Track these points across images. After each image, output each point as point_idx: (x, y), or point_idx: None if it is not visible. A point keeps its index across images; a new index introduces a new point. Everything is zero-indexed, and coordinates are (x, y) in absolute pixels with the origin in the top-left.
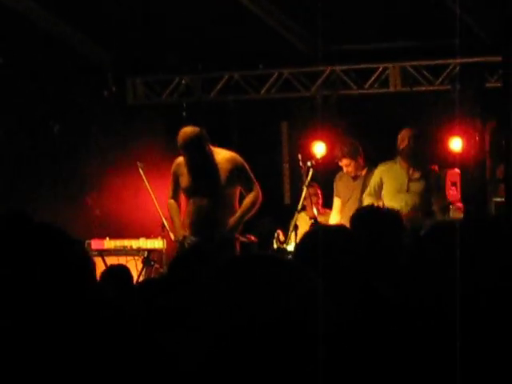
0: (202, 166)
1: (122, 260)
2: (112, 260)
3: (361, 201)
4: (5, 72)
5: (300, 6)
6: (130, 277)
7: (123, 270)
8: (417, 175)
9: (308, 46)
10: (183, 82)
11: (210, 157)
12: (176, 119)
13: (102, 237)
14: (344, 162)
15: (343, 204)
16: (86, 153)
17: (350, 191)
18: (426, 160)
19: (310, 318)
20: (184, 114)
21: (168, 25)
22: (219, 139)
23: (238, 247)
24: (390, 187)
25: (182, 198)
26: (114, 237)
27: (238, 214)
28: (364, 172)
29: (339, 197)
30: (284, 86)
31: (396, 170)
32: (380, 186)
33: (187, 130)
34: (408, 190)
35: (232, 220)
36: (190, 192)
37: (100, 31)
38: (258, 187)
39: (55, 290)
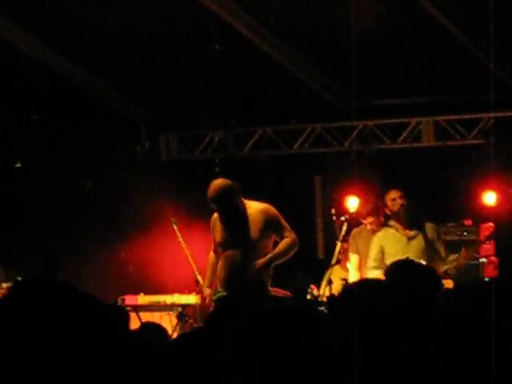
0: (233, 218)
1: (156, 315)
2: (146, 316)
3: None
4: (39, 129)
5: (333, 61)
6: (165, 332)
7: (157, 327)
8: (413, 233)
9: (341, 101)
10: (216, 137)
11: (241, 209)
12: (209, 175)
13: (136, 293)
14: (369, 220)
15: (364, 260)
16: (121, 208)
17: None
18: (418, 215)
19: (338, 372)
20: (217, 169)
21: (201, 80)
22: (253, 194)
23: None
24: (393, 250)
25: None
26: (148, 292)
27: (269, 255)
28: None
29: (357, 253)
30: (317, 141)
31: (393, 234)
32: (382, 253)
33: (218, 182)
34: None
35: (262, 260)
36: (223, 245)
37: (134, 87)
38: (294, 234)
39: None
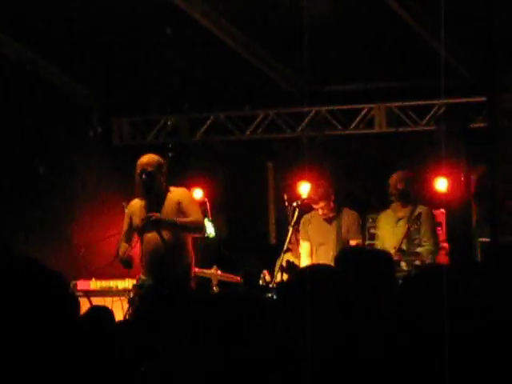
0: (156, 195)
1: (107, 301)
2: (98, 301)
3: (339, 243)
4: None
5: (286, 47)
6: (112, 317)
7: (106, 311)
8: (403, 214)
9: (294, 87)
10: (169, 122)
11: (164, 188)
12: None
13: (88, 278)
14: (321, 205)
15: (315, 248)
16: (72, 193)
17: (325, 234)
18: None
19: (287, 360)
20: (170, 154)
21: (154, 65)
22: (205, 179)
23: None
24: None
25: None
26: (99, 277)
27: (172, 218)
28: (334, 214)
29: (308, 240)
30: (270, 127)
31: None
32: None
33: (152, 154)
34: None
35: (159, 216)
36: (143, 228)
37: (86, 72)
38: (203, 220)
39: (38, 323)
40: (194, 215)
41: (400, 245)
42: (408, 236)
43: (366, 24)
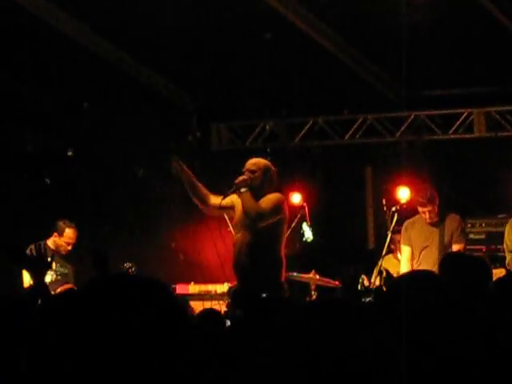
0: (254, 196)
1: (206, 304)
2: (197, 305)
3: (442, 247)
4: (91, 117)
5: (384, 51)
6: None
7: (216, 313)
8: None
9: (392, 92)
10: (267, 127)
11: (265, 192)
12: None
13: (187, 281)
14: (428, 208)
15: (417, 252)
16: (170, 198)
17: (428, 238)
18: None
19: (379, 369)
20: (268, 159)
21: (253, 70)
22: (303, 184)
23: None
24: None
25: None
26: (198, 281)
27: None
28: (438, 220)
29: (409, 245)
30: (368, 132)
31: None
32: None
33: (262, 159)
34: None
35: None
36: (237, 226)
37: (186, 76)
38: (263, 211)
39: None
40: (261, 203)
41: None
42: None
43: (465, 28)
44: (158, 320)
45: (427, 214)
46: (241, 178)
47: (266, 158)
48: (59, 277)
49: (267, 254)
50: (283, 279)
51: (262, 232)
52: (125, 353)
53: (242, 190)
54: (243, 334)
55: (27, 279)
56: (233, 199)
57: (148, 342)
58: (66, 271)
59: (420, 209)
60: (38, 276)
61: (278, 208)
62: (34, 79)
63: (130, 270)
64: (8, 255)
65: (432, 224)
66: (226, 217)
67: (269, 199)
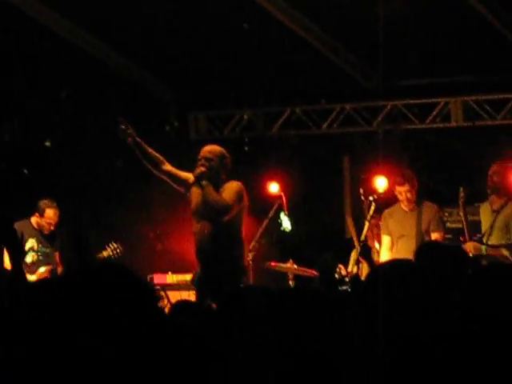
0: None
1: (184, 294)
2: (174, 295)
3: (420, 235)
4: (68, 106)
5: (362, 41)
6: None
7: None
8: (497, 206)
9: (370, 81)
10: (245, 116)
11: (222, 180)
12: (238, 154)
13: (165, 271)
14: (405, 188)
15: (395, 240)
16: (149, 187)
17: (405, 226)
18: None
19: (354, 357)
20: (246, 148)
21: (230, 60)
22: (281, 174)
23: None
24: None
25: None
26: (176, 271)
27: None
28: (415, 207)
29: (389, 234)
30: (346, 121)
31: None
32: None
33: (217, 146)
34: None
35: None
36: (195, 215)
37: (163, 66)
38: (229, 204)
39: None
40: (224, 195)
41: (483, 237)
42: (502, 228)
43: (442, 18)
44: (129, 311)
45: (403, 194)
46: (199, 169)
47: (239, 148)
48: (41, 257)
49: (230, 241)
50: (246, 263)
51: (225, 222)
52: (96, 344)
53: (203, 182)
54: (217, 325)
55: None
56: (189, 179)
57: (121, 333)
58: (48, 251)
59: (397, 188)
60: (16, 260)
61: (240, 197)
62: (9, 69)
63: (116, 251)
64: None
65: (409, 211)
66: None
67: (231, 190)
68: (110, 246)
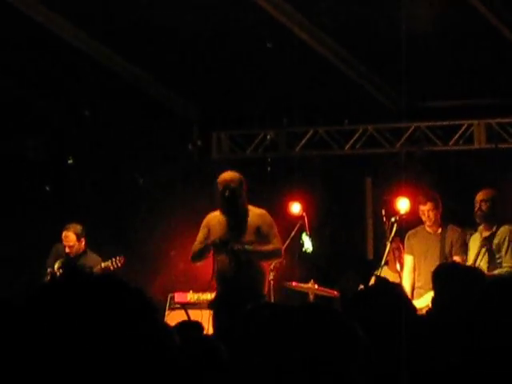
0: (237, 214)
1: (204, 313)
2: (195, 313)
3: (443, 258)
4: (92, 125)
5: (385, 62)
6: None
7: (196, 326)
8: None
9: (393, 102)
10: (268, 136)
11: (245, 207)
12: (260, 173)
13: (186, 290)
14: (427, 207)
15: (417, 261)
16: (171, 205)
17: (429, 248)
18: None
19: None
20: (269, 168)
21: (254, 80)
22: (303, 194)
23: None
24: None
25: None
26: (197, 290)
27: (251, 246)
28: (440, 230)
29: (412, 254)
30: (369, 142)
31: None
32: None
33: (232, 171)
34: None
35: (239, 245)
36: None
37: (187, 85)
38: (282, 246)
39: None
40: (274, 243)
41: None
42: (490, 256)
43: (466, 40)
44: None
45: (426, 213)
46: (236, 246)
47: (262, 167)
48: None
49: (253, 268)
50: (265, 292)
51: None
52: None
53: (248, 247)
54: (230, 341)
55: None
56: (208, 223)
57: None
58: None
59: (420, 208)
60: None
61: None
62: (35, 87)
63: (116, 264)
64: None
65: (433, 233)
66: None
67: (271, 227)
68: (113, 258)
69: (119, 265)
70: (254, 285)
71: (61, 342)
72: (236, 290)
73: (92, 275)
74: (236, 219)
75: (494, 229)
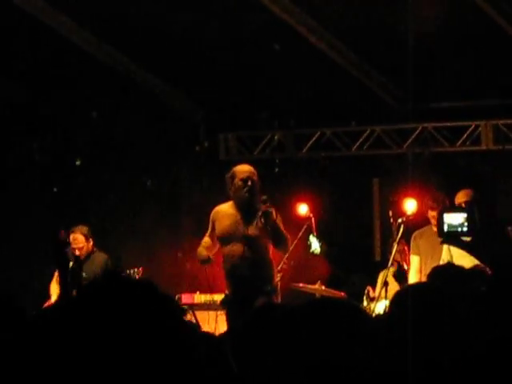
0: (250, 208)
1: (211, 314)
2: (202, 314)
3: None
4: (99, 127)
5: (392, 63)
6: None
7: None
8: None
9: (400, 103)
10: (275, 137)
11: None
12: (268, 175)
13: (193, 291)
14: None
15: (424, 262)
16: (178, 207)
17: (436, 248)
18: None
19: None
20: (276, 169)
21: (261, 81)
22: (310, 195)
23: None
24: None
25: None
26: (204, 291)
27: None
28: None
29: (418, 254)
30: (376, 143)
31: None
32: None
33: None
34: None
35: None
36: (227, 237)
37: (194, 86)
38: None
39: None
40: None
41: None
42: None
43: (474, 41)
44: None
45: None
46: (271, 209)
47: (269, 168)
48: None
49: (261, 261)
50: (276, 283)
51: (256, 243)
52: (118, 358)
53: (273, 219)
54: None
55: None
56: (215, 217)
57: (143, 345)
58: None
59: (430, 213)
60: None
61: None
62: (42, 89)
63: (134, 276)
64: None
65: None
66: None
67: (277, 218)
68: (131, 270)
69: (137, 277)
70: (266, 280)
71: (107, 338)
72: (249, 286)
73: (130, 279)
74: (249, 211)
75: None
